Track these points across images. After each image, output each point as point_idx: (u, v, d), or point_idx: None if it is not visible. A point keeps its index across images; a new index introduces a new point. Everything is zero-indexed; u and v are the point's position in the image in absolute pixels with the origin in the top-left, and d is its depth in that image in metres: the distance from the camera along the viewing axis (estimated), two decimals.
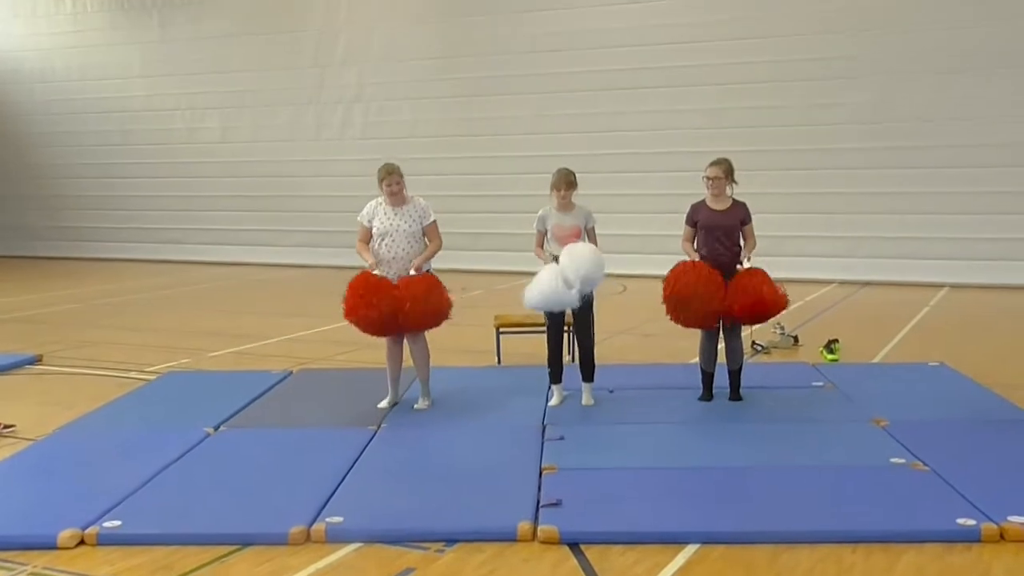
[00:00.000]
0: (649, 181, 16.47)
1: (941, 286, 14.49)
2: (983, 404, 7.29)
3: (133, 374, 9.23)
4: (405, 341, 7.33)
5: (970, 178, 14.75)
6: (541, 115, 17.48)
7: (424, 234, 7.24)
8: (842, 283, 14.91)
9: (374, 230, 7.18)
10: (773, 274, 7.14)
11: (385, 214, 7.18)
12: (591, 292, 7.03)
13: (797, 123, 15.63)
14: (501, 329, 9.28)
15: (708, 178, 7.21)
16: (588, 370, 7.41)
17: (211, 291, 15.84)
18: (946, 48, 14.84)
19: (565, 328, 7.61)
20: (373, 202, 7.30)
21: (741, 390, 7.44)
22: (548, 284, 6.84)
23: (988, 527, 4.83)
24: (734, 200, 7.28)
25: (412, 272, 7.05)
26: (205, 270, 18.82)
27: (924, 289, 14.25)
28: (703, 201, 7.29)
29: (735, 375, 7.42)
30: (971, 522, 4.88)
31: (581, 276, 6.77)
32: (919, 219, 15.03)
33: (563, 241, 7.08)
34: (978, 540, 4.78)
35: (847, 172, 15.42)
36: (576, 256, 6.85)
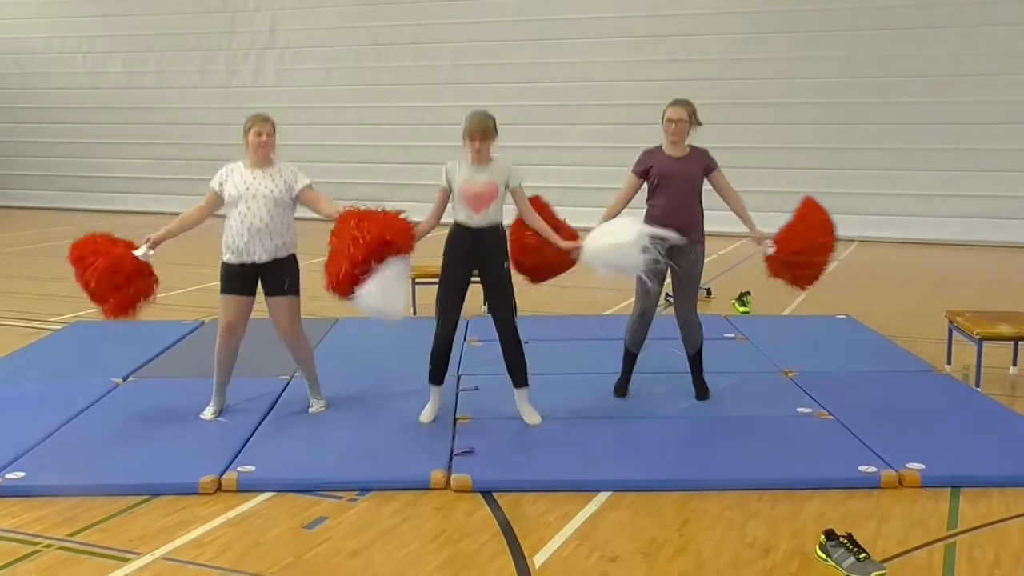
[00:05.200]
0: (569, 134, 16.49)
1: (851, 240, 14.82)
2: (887, 356, 7.50)
3: (36, 324, 8.97)
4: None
5: (880, 134, 15.12)
6: (458, 65, 17.32)
7: (297, 201, 5.81)
8: None
9: (227, 198, 5.75)
10: None
11: (241, 177, 5.74)
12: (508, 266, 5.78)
13: (714, 77, 15.76)
14: (417, 280, 9.22)
15: (671, 120, 5.97)
16: (519, 369, 5.86)
17: None
18: (859, 7, 15.09)
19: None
20: (228, 165, 5.86)
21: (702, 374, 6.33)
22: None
23: (888, 474, 4.99)
24: (692, 147, 6.15)
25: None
26: (111, 219, 18.22)
27: None
28: (658, 147, 6.13)
29: (695, 360, 6.30)
30: (872, 469, 5.04)
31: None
32: (831, 174, 15.33)
33: (472, 203, 5.56)
34: (878, 486, 4.95)
35: (761, 127, 15.64)
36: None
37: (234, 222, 5.68)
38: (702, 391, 6.31)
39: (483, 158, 5.61)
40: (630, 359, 6.36)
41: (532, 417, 5.83)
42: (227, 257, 5.78)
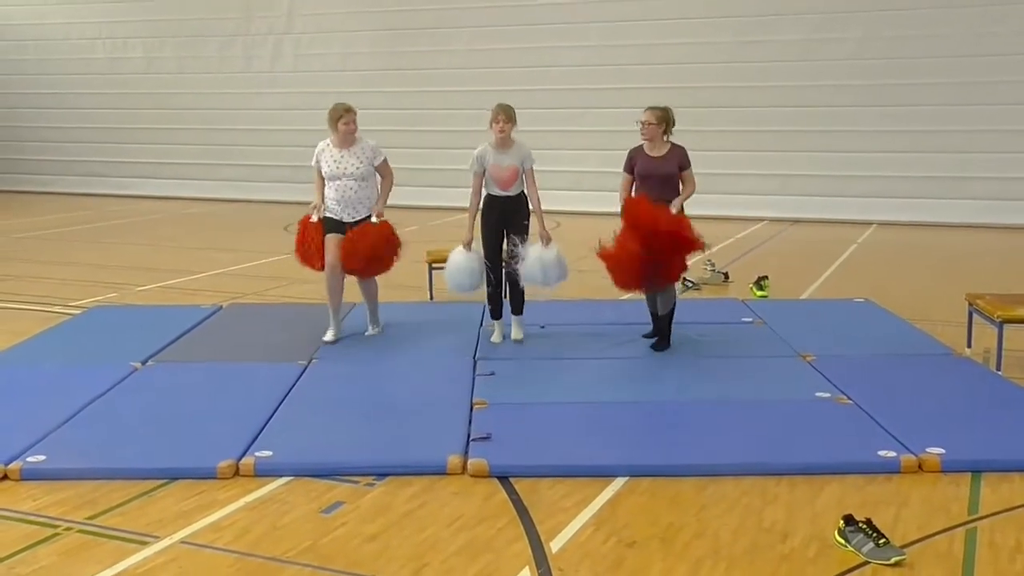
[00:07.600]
0: (584, 118, 16.43)
1: (869, 224, 14.73)
2: (906, 339, 7.44)
3: (57, 308, 9.02)
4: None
5: (898, 117, 14.96)
6: (473, 50, 17.28)
7: (376, 172, 7.28)
8: (772, 221, 15.07)
9: (324, 173, 7.18)
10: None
11: (332, 157, 7.14)
12: (526, 235, 7.12)
13: (729, 60, 15.67)
14: (433, 265, 9.23)
15: (640, 122, 6.88)
16: (517, 302, 7.33)
17: (137, 225, 15.44)
18: None
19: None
20: (321, 143, 7.25)
21: (671, 331, 7.12)
22: (463, 268, 7.20)
23: (907, 459, 4.96)
24: (672, 144, 6.91)
25: (373, 219, 7.14)
26: (131, 204, 18.37)
27: (852, 227, 14.48)
28: (640, 147, 6.94)
29: (663, 320, 7.07)
30: (891, 454, 5.01)
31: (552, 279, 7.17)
32: (848, 157, 15.24)
33: (501, 182, 6.95)
34: (898, 471, 4.91)
35: (778, 110, 15.53)
36: (546, 265, 7.08)
37: (331, 192, 7.16)
38: (662, 341, 7.08)
39: (506, 142, 6.94)
40: (655, 317, 7.14)
41: (518, 333, 7.30)
42: (327, 214, 7.16)
